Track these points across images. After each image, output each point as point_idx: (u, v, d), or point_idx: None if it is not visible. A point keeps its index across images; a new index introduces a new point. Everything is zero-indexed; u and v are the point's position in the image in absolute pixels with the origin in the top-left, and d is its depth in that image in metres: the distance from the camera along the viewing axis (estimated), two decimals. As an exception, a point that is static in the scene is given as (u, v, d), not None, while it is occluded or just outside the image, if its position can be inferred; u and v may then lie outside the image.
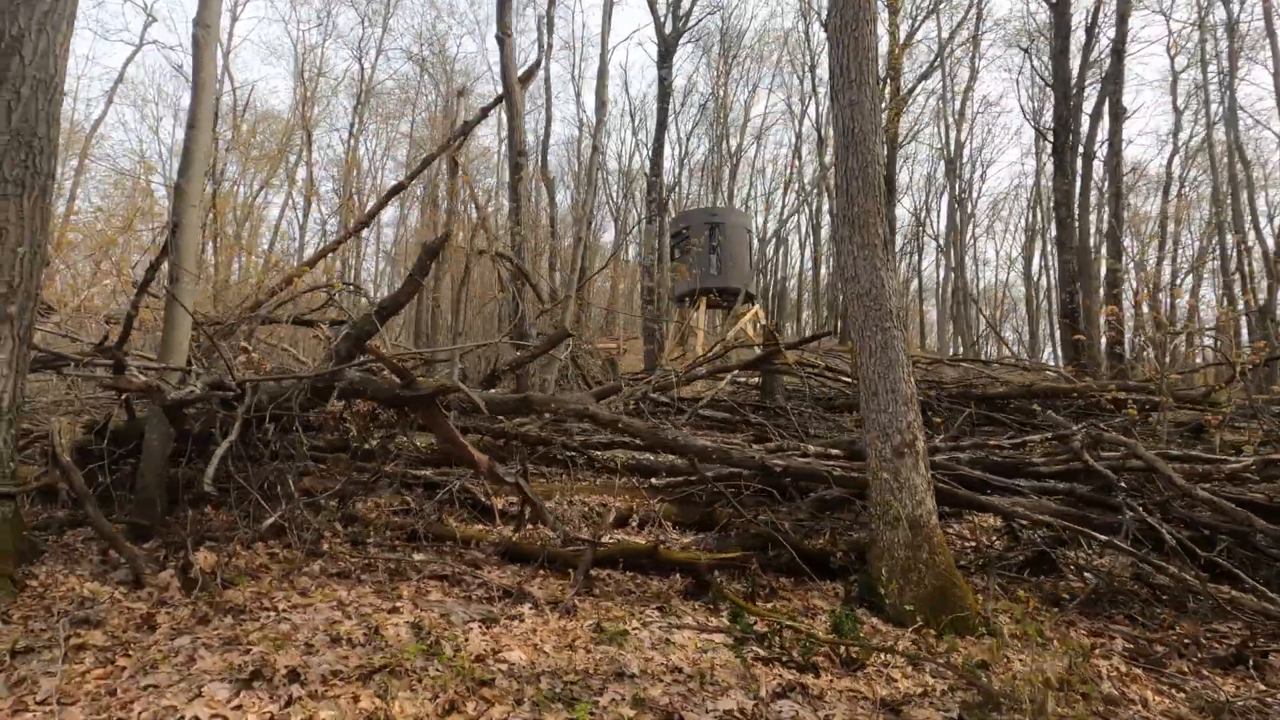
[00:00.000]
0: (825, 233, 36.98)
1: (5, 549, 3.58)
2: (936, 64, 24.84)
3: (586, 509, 5.61)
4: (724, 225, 19.48)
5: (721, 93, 34.94)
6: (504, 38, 11.70)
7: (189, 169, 4.84)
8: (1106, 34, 19.26)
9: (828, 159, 32.09)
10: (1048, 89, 29.55)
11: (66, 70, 4.12)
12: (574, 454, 5.41)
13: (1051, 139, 17.59)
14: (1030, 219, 36.73)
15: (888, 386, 4.02)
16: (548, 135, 23.08)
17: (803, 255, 41.64)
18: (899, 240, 34.35)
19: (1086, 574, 4.48)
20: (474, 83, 33.65)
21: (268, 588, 3.75)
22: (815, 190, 35.95)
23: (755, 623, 3.58)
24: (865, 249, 4.18)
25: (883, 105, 28.32)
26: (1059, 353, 29.21)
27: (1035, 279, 37.09)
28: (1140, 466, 4.50)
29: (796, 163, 37.35)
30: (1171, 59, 28.53)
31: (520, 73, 11.68)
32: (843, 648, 3.35)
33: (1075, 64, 19.75)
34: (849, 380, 9.72)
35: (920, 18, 26.57)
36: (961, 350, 29.96)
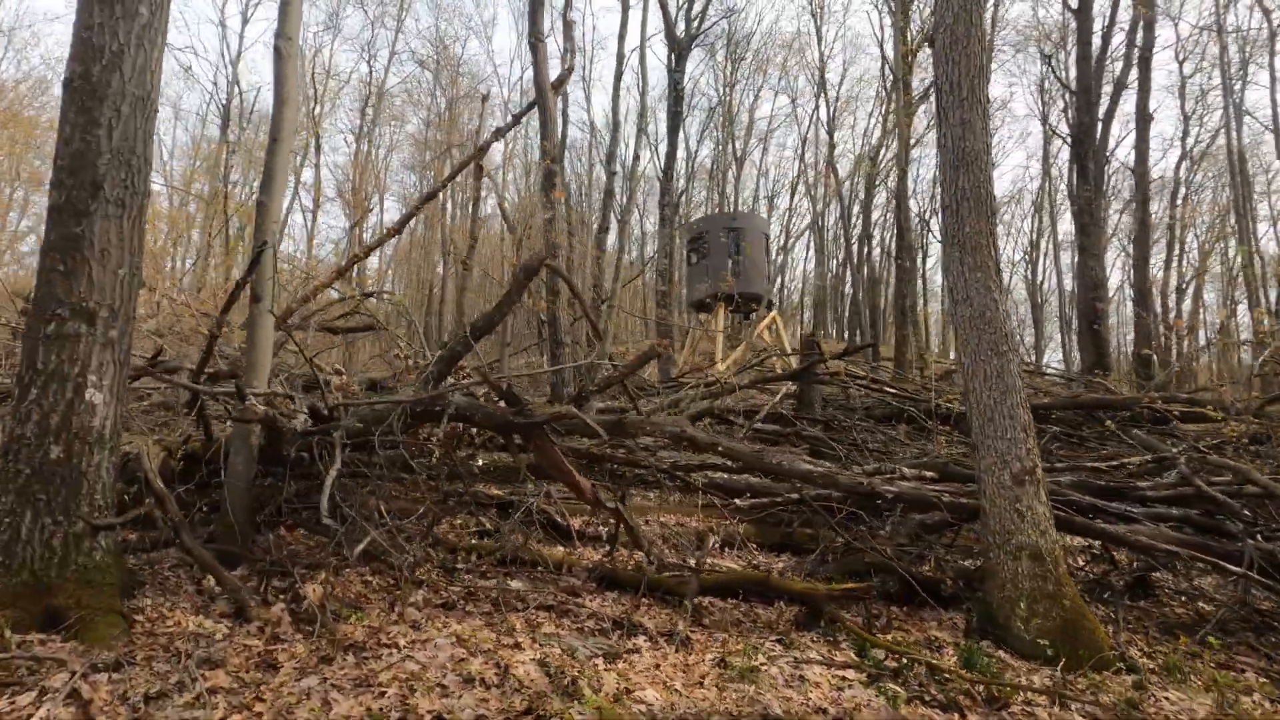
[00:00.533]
0: (829, 235, 37.06)
1: (111, 582, 3.45)
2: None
3: (664, 530, 5.52)
4: (743, 230, 19.41)
5: (727, 96, 34.88)
6: (536, 42, 11.58)
7: (271, 184, 4.72)
8: (1119, 39, 19.30)
9: (845, 164, 32.11)
10: (1054, 92, 29.63)
11: (160, 87, 4.00)
12: (662, 474, 5.30)
13: (1072, 144, 17.63)
14: (1036, 222, 36.86)
15: (1005, 412, 3.94)
16: (565, 140, 22.92)
17: (805, 258, 41.70)
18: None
19: (1196, 601, 4.41)
20: (479, 85, 33.56)
21: (378, 621, 3.65)
22: (820, 193, 35.98)
23: (886, 658, 3.49)
24: (977, 271, 4.09)
25: (892, 109, 28.27)
26: (1071, 358, 29.25)
27: (1039, 283, 37.19)
28: (1256, 492, 4.44)
29: (801, 165, 37.39)
30: (1180, 64, 28.64)
31: (553, 78, 11.57)
32: (982, 685, 3.26)
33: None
34: (892, 391, 9.66)
35: (929, 23, 26.62)
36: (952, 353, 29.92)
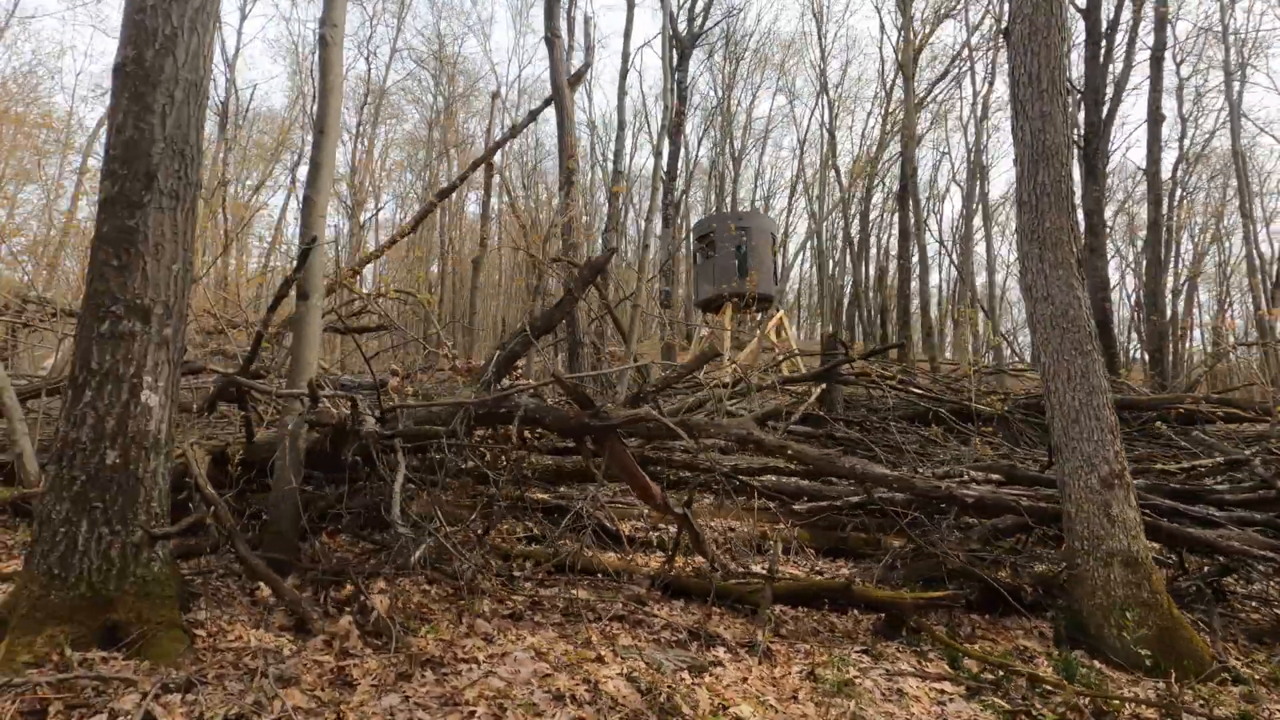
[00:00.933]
0: (826, 234, 37.03)
1: (169, 595, 3.27)
2: (967, 69, 24.81)
3: (715, 534, 5.37)
4: (750, 230, 19.27)
5: (725, 96, 34.81)
6: (553, 39, 11.42)
7: (317, 178, 4.54)
8: (1119, 38, 19.32)
9: (843, 164, 32.08)
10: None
11: (211, 73, 3.82)
12: (722, 478, 5.15)
13: (1082, 145, 17.62)
14: (1033, 223, 36.89)
15: (1090, 414, 3.82)
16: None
17: (802, 256, 41.65)
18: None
19: (1273, 607, 4.30)
20: (475, 84, 33.32)
21: (448, 633, 3.48)
22: (817, 192, 35.96)
23: (982, 670, 3.36)
24: (1059, 268, 3.97)
25: (893, 109, 28.25)
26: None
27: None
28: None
29: (800, 165, 37.38)
30: (1178, 66, 28.77)
31: (569, 75, 11.40)
32: (1087, 698, 3.13)
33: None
34: (919, 391, 9.54)
35: (931, 23, 26.64)
36: (955, 355, 29.92)
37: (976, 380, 9.34)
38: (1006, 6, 4.20)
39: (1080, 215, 18.50)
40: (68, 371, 8.97)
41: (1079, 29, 21.80)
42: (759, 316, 20.14)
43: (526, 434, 4.66)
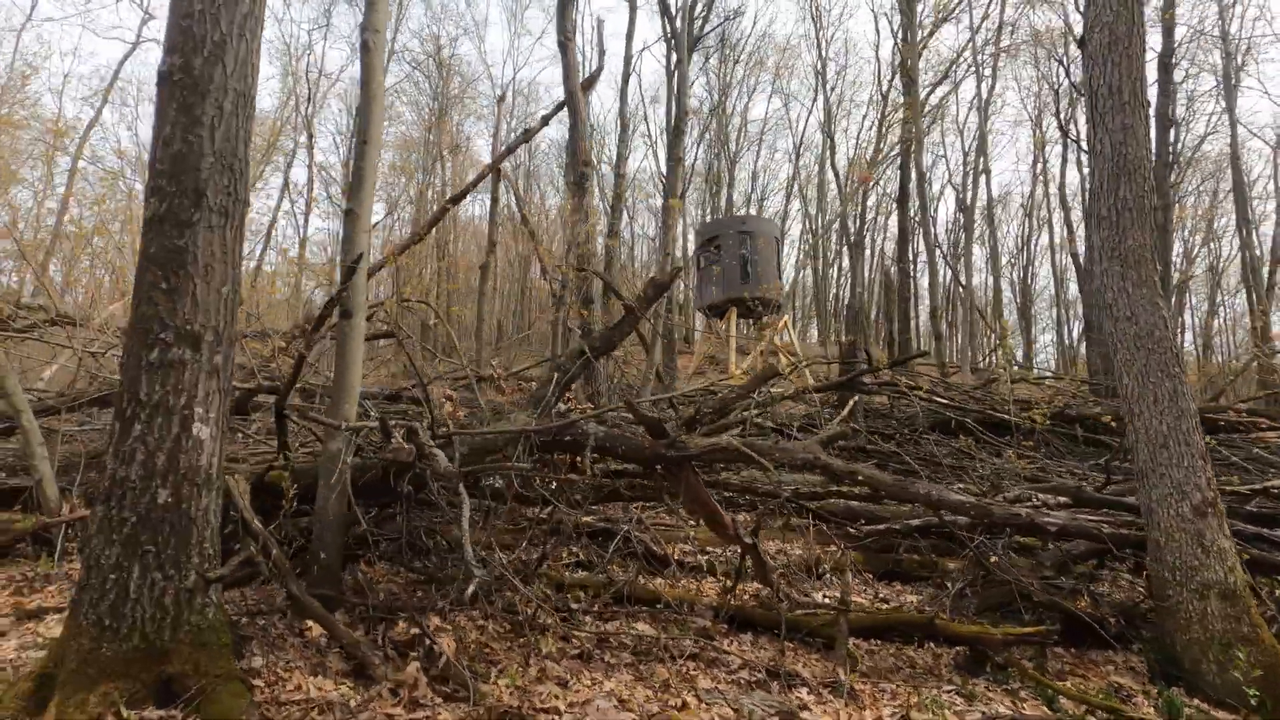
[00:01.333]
0: (822, 238, 36.98)
1: (225, 643, 3.04)
2: (969, 71, 24.82)
3: (767, 558, 5.19)
4: (754, 234, 19.16)
5: (721, 99, 34.71)
6: (565, 42, 11.22)
7: (360, 190, 4.32)
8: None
9: (838, 160, 32.01)
10: (1044, 96, 29.86)
11: (257, 82, 3.59)
12: (784, 503, 4.97)
13: (1087, 149, 17.67)
14: (1025, 226, 37.10)
15: (1180, 439, 3.68)
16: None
17: (797, 259, 41.60)
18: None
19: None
20: (469, 85, 33.02)
21: (519, 678, 3.27)
22: (812, 195, 35.95)
23: (1085, 713, 3.20)
24: (1142, 286, 3.83)
25: (895, 112, 28.23)
26: (1069, 361, 29.45)
27: (1030, 285, 37.43)
28: None
29: (795, 168, 37.34)
30: (1170, 71, 28.95)
31: (583, 79, 11.20)
32: (1201, 743, 2.98)
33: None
34: (943, 401, 9.41)
35: (927, 28, 26.64)
36: (951, 358, 29.96)
37: (1011, 390, 9.22)
38: (1081, 16, 4.04)
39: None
40: (70, 384, 8.58)
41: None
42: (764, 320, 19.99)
43: (578, 460, 4.45)
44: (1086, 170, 20.55)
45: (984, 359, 30.05)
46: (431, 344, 12.37)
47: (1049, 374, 12.47)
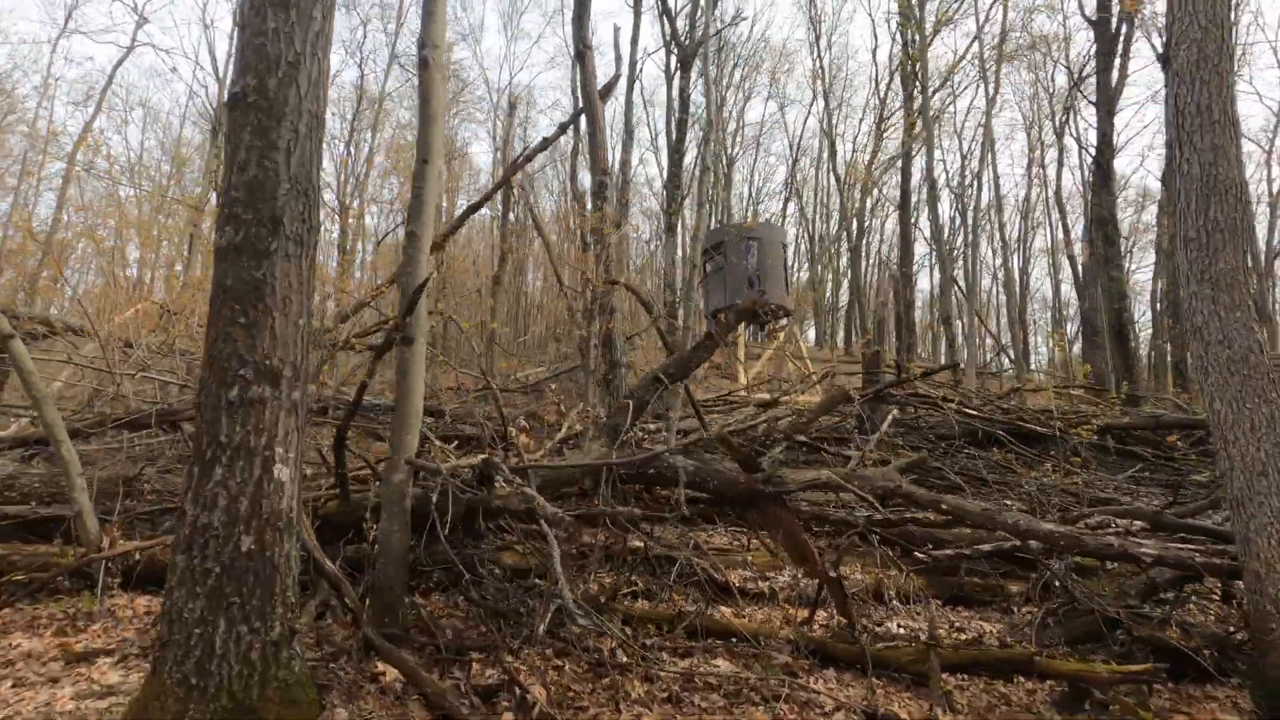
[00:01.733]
0: (820, 242, 37.04)
1: (311, 700, 2.89)
2: (974, 77, 24.87)
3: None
4: (762, 241, 19.08)
5: (718, 103, 34.64)
6: (584, 49, 11.09)
7: (421, 212, 4.17)
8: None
9: (839, 164, 32.02)
10: (1042, 99, 30.00)
11: (328, 103, 3.44)
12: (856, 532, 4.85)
13: (1095, 154, 17.68)
14: (1022, 228, 37.26)
15: (1279, 467, 3.58)
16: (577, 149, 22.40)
17: (794, 264, 41.62)
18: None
19: None
20: (464, 89, 32.81)
21: (614, 727, 3.13)
22: (809, 199, 36.01)
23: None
24: (1235, 310, 3.73)
25: (895, 119, 28.23)
26: (1068, 367, 29.52)
27: (1026, 287, 37.60)
28: None
29: (792, 173, 37.37)
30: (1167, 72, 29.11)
31: (601, 86, 11.07)
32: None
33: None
34: (973, 414, 9.31)
35: (932, 33, 26.68)
36: (941, 361, 29.96)
37: (1062, 402, 9.15)
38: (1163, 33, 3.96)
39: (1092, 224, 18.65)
40: (88, 401, 8.30)
41: (1086, 38, 22.01)
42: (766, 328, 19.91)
43: (641, 487, 4.32)
44: (1086, 170, 20.75)
45: (986, 362, 30.14)
46: (442, 351, 12.20)
47: (1079, 385, 12.40)
